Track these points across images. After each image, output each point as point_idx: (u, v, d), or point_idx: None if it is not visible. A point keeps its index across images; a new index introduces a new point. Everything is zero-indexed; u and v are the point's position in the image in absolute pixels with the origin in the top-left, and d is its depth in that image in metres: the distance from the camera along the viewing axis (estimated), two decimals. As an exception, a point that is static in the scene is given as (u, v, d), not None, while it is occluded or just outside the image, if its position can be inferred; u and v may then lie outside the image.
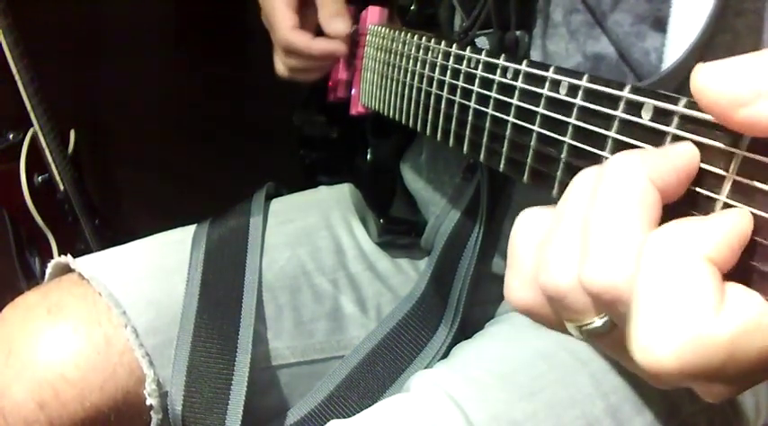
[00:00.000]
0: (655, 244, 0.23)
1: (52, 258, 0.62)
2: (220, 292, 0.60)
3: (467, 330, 0.60)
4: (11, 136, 1.22)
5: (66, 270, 0.61)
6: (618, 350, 0.27)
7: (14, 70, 1.13)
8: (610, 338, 0.27)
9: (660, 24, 0.42)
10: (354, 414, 0.51)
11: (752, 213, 0.23)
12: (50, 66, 1.25)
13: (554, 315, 0.28)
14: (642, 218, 0.23)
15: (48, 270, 0.63)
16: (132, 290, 0.58)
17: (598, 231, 0.24)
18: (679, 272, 0.22)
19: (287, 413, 0.60)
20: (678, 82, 0.39)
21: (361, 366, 0.61)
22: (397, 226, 0.67)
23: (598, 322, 0.26)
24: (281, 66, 0.67)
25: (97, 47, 1.48)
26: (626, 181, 0.24)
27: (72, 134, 1.33)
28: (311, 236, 0.67)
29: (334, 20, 0.62)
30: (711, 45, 0.39)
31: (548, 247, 0.26)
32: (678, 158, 0.25)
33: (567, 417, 0.49)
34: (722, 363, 0.21)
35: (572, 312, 0.26)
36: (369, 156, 0.68)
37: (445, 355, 0.59)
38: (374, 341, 0.62)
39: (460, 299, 0.59)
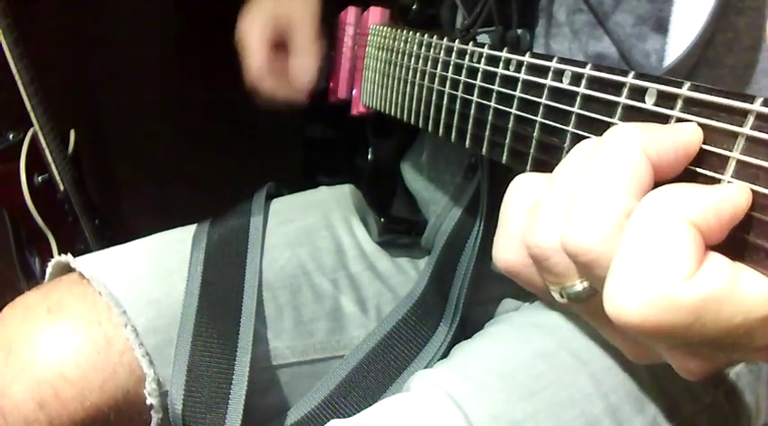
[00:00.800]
0: (643, 204, 0.23)
1: (52, 258, 0.62)
2: (220, 292, 0.60)
3: (467, 329, 0.60)
4: (11, 136, 1.21)
5: (67, 269, 0.61)
6: (597, 317, 0.27)
7: (14, 70, 1.13)
8: (591, 304, 0.27)
9: (661, 26, 0.42)
10: (354, 414, 0.51)
11: (753, 191, 0.23)
12: (50, 66, 1.25)
13: (538, 277, 0.29)
14: (628, 186, 0.24)
15: (48, 270, 0.63)
16: (132, 290, 0.58)
17: (584, 195, 0.24)
18: (659, 230, 0.22)
19: (287, 413, 0.60)
20: (680, 78, 0.39)
21: (361, 365, 0.61)
22: (397, 226, 0.67)
23: (579, 286, 0.27)
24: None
25: (97, 47, 1.48)
26: (619, 150, 0.24)
27: (72, 134, 1.33)
28: (311, 236, 0.67)
29: (301, 74, 0.67)
30: (712, 43, 0.39)
31: (538, 210, 0.27)
32: (678, 135, 0.25)
33: (567, 417, 0.49)
34: (686, 327, 0.22)
35: (554, 274, 0.27)
36: (369, 156, 0.68)
37: (445, 355, 0.59)
38: (374, 340, 0.62)
39: (460, 299, 0.59)
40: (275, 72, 0.68)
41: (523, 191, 0.29)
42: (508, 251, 0.30)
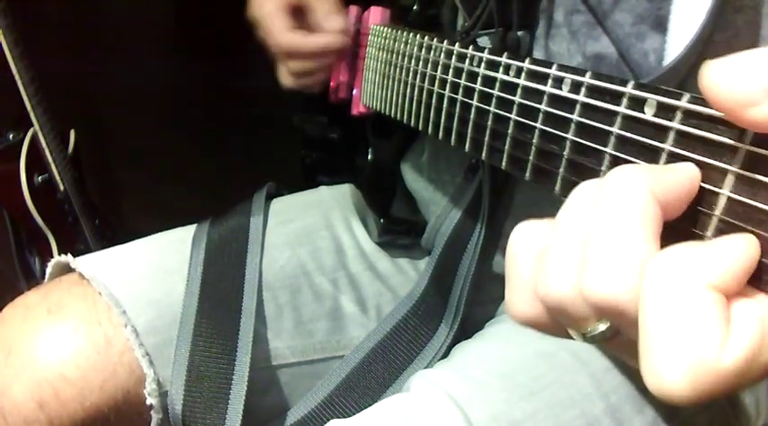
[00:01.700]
0: (660, 268, 0.23)
1: (52, 258, 0.62)
2: (220, 292, 0.60)
3: (467, 329, 0.60)
4: (11, 136, 1.21)
5: (67, 269, 0.61)
6: (626, 352, 0.27)
7: (14, 70, 1.13)
8: (615, 342, 0.27)
9: (660, 25, 0.42)
10: (354, 414, 0.51)
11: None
12: (50, 66, 1.25)
13: (556, 323, 0.28)
14: (644, 231, 0.23)
15: (48, 270, 0.63)
16: (132, 290, 0.58)
17: (599, 241, 0.24)
18: (685, 302, 0.22)
19: (287, 413, 0.60)
20: (679, 79, 0.39)
21: (361, 366, 0.61)
22: (397, 226, 0.67)
23: (602, 327, 0.26)
24: (284, 75, 0.67)
25: (97, 47, 1.48)
26: (628, 193, 0.24)
27: (72, 134, 1.33)
28: (311, 236, 0.67)
29: (330, 17, 0.63)
30: (711, 42, 0.39)
31: (546, 258, 0.26)
32: (679, 174, 0.25)
33: (567, 417, 0.49)
34: (734, 386, 0.22)
35: (574, 320, 0.26)
36: (370, 156, 0.68)
37: (445, 355, 0.59)
38: (374, 340, 0.62)
39: (461, 299, 0.59)
40: (303, 31, 0.64)
41: (528, 240, 0.28)
42: (523, 304, 0.28)
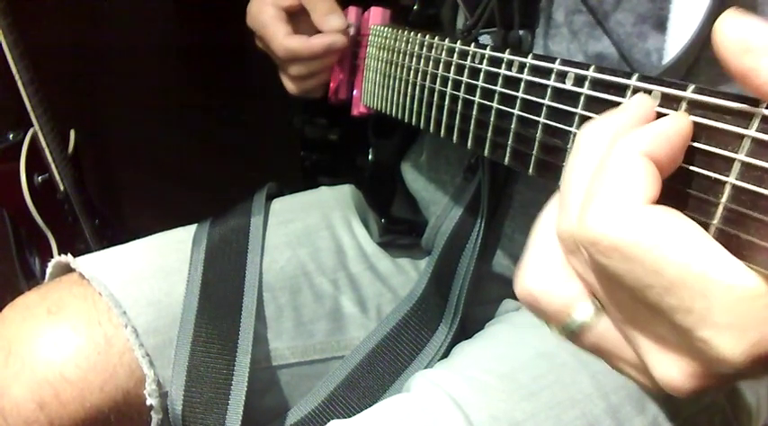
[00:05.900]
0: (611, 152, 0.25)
1: (52, 258, 0.62)
2: (221, 292, 0.60)
3: (467, 330, 0.60)
4: (11, 136, 1.21)
5: (67, 269, 0.61)
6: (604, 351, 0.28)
7: (14, 70, 1.13)
8: (593, 334, 0.28)
9: (662, 25, 0.42)
10: (354, 414, 0.51)
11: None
12: (50, 66, 1.25)
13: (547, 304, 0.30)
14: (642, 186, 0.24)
15: (48, 270, 0.63)
16: (132, 290, 0.58)
17: (603, 191, 0.25)
18: (618, 165, 0.25)
19: (287, 414, 0.60)
20: (679, 77, 0.39)
21: (361, 366, 0.61)
22: (397, 226, 0.67)
23: (584, 310, 0.28)
24: (287, 81, 0.67)
25: (97, 47, 1.48)
26: (622, 162, 0.25)
27: (72, 134, 1.33)
28: (311, 236, 0.67)
29: (329, 17, 0.63)
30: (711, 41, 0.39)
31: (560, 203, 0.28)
32: (669, 127, 0.25)
33: (568, 417, 0.49)
34: (643, 251, 0.23)
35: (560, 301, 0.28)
36: (370, 157, 0.68)
37: (445, 355, 0.59)
38: (374, 341, 0.62)
39: (460, 298, 0.59)
40: (303, 35, 0.64)
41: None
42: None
